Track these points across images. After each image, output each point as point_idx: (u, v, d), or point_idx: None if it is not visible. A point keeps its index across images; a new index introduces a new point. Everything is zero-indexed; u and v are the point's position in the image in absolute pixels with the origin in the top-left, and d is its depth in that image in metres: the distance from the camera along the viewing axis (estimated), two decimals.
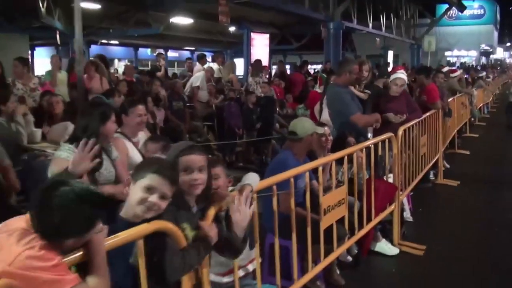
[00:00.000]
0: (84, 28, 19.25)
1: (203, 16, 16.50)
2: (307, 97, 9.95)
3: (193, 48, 30.22)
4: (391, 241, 4.82)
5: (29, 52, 20.99)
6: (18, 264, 1.49)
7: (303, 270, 3.38)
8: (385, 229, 4.91)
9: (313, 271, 3.30)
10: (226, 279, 2.62)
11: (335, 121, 5.16)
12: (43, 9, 14.27)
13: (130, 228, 1.89)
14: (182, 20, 16.31)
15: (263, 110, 9.01)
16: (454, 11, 28.33)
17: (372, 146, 4.36)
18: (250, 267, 2.85)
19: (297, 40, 23.20)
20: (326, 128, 4.29)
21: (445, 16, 26.92)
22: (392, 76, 5.84)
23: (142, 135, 3.96)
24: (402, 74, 5.82)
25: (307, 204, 3.22)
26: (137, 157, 3.70)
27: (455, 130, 9.53)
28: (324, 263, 3.42)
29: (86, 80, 7.61)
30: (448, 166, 8.24)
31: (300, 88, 11.60)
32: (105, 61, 8.66)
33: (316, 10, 14.61)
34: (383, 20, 20.34)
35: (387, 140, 4.65)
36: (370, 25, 18.96)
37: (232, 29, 16.68)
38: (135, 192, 2.00)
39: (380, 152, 4.55)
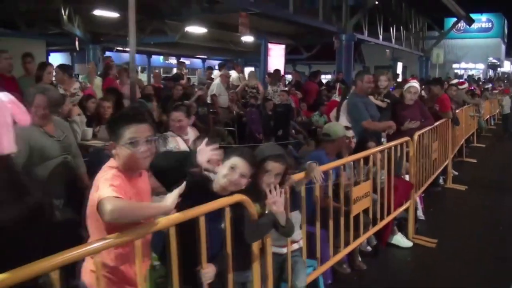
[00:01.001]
0: (101, 36, 19.71)
1: (216, 26, 16.94)
2: (320, 105, 10.52)
3: (204, 57, 30.84)
4: (406, 235, 5.34)
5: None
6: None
7: (328, 254, 3.88)
8: (401, 225, 5.42)
9: (344, 251, 3.85)
10: (284, 250, 3.15)
11: (354, 126, 5.70)
12: (65, 17, 14.73)
13: None
14: (196, 29, 16.77)
15: (280, 117, 9.56)
16: (462, 24, 28.79)
17: (393, 148, 4.89)
18: (301, 243, 3.37)
19: (307, 50, 23.71)
20: (351, 131, 4.83)
21: (453, 29, 27.37)
22: (406, 86, 6.41)
23: (191, 134, 4.50)
24: (415, 83, 6.43)
25: (341, 195, 3.76)
26: None
27: (463, 140, 10.02)
28: (352, 245, 3.98)
29: (118, 86, 8.18)
30: (456, 173, 8.71)
31: (314, 97, 12.11)
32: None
33: (329, 22, 15.17)
34: (393, 32, 20.83)
35: (404, 144, 5.18)
36: (381, 37, 19.43)
37: (248, 39, 17.18)
38: (222, 169, 2.54)
39: (399, 153, 5.08)
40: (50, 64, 6.34)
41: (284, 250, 3.11)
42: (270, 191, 2.62)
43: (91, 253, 1.88)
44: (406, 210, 5.34)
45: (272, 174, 2.75)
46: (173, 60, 31.25)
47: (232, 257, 2.48)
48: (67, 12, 14.71)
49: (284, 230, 2.75)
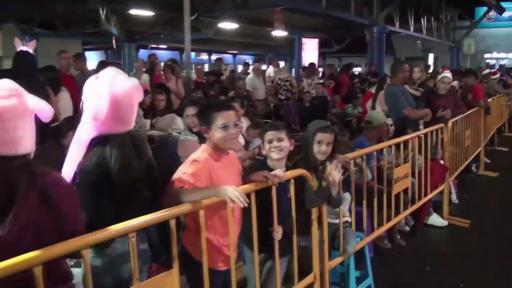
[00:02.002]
0: (136, 34, 20.27)
1: (248, 21, 17.31)
2: (354, 99, 10.88)
3: (235, 52, 31.37)
4: (441, 216, 5.73)
5: None
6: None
7: (372, 229, 4.33)
8: (436, 206, 5.82)
9: (387, 225, 4.30)
10: (337, 221, 3.61)
11: (391, 115, 6.08)
12: (103, 16, 15.31)
13: None
14: (229, 26, 17.17)
15: (317, 109, 9.98)
16: (493, 13, 28.44)
17: (429, 134, 5.28)
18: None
19: (337, 43, 23.95)
20: (390, 119, 5.24)
21: (484, 18, 27.14)
22: (440, 76, 6.78)
23: (244, 123, 5.00)
24: (448, 73, 6.80)
25: (385, 176, 4.20)
26: (241, 140, 4.74)
27: (495, 129, 10.24)
28: (394, 220, 4.42)
29: (163, 81, 8.71)
30: (488, 161, 8.97)
31: (346, 90, 12.43)
32: (178, 65, 9.73)
33: (361, 15, 15.44)
34: (424, 23, 20.86)
35: (440, 130, 5.57)
36: (412, 28, 19.50)
37: (281, 33, 17.54)
38: (265, 147, 3.00)
39: (434, 138, 5.47)
40: (109, 63, 6.90)
41: (337, 221, 3.57)
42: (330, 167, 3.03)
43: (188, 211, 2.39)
44: (441, 192, 5.73)
45: (324, 143, 3.19)
46: (204, 56, 31.94)
47: (296, 220, 2.95)
48: (104, 12, 15.29)
49: (334, 201, 3.20)
